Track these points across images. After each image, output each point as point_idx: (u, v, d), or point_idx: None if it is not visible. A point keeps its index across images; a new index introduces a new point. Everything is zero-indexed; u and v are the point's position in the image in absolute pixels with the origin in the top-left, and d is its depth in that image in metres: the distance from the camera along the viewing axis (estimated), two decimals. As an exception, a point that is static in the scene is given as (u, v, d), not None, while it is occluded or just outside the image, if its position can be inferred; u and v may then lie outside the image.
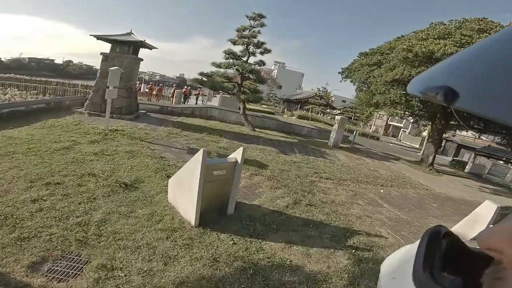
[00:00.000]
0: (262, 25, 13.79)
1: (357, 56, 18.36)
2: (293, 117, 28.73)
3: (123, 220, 3.91)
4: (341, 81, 19.51)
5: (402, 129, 47.82)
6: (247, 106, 20.68)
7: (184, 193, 4.17)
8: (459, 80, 0.28)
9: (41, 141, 6.69)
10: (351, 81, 18.30)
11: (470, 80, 0.27)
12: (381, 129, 49.31)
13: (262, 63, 13.97)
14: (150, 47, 12.59)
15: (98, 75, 11.60)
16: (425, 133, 36.74)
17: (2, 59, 65.51)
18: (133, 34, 12.00)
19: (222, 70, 13.58)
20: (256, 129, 14.09)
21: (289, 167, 8.84)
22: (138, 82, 25.23)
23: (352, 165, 11.42)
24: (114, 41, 11.63)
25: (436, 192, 10.33)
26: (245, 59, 13.78)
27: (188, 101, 23.01)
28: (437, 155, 30.15)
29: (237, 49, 13.95)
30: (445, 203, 8.94)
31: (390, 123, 50.67)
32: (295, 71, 64.77)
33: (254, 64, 13.64)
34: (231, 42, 13.94)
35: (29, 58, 73.91)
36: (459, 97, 0.26)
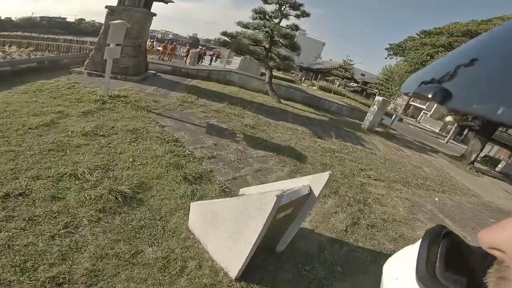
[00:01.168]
0: None
1: (417, 34, 15.74)
2: (314, 87, 26.15)
3: (124, 273, 2.35)
4: (386, 58, 17.33)
5: (423, 111, 44.14)
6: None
7: (223, 236, 2.56)
8: (452, 79, 0.27)
9: (16, 113, 5.04)
10: (404, 60, 15.91)
11: (463, 79, 0.27)
12: (400, 109, 45.78)
13: (295, 27, 11.56)
14: (165, 0, 10.25)
15: (101, 30, 9.54)
16: (449, 118, 33.30)
17: (13, 18, 64.61)
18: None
19: (249, 31, 11.28)
20: (281, 101, 12.08)
21: (331, 160, 7.10)
22: (151, 40, 22.83)
23: (394, 159, 9.63)
24: (121, -10, 9.35)
25: (485, 200, 8.68)
26: (276, 21, 11.35)
27: (202, 61, 20.74)
28: (453, 141, 27.61)
29: (268, 9, 11.54)
30: (499, 217, 7.23)
31: (412, 103, 46.86)
32: (316, 40, 58.77)
33: (287, 28, 11.25)
34: (263, 0, 11.42)
35: (40, 17, 72.76)
36: (452, 97, 0.26)
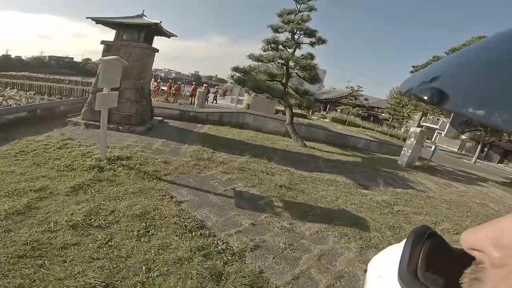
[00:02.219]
0: (311, 8, 10.26)
1: (445, 53, 14.93)
2: (326, 119, 25.15)
3: None
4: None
5: (437, 131, 43.20)
6: (279, 108, 17.28)
7: None
8: (449, 81, 0.28)
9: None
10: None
11: (460, 82, 0.27)
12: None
13: (311, 56, 10.46)
14: (168, 34, 9.33)
15: (98, 71, 8.45)
16: (464, 136, 32.42)
17: (23, 57, 66.05)
18: (145, 16, 8.77)
19: (263, 64, 10.17)
20: (305, 143, 10.67)
21: (394, 218, 5.56)
22: (156, 80, 22.27)
23: (454, 199, 8.19)
24: (119, 25, 8.42)
25: None
26: (290, 51, 10.29)
27: (207, 101, 19.88)
28: (479, 161, 26.33)
29: (280, 38, 10.54)
30: None
31: (423, 123, 46.24)
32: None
33: (302, 58, 10.15)
34: (272, 29, 10.50)
35: (49, 56, 74.64)
36: (448, 99, 0.26)
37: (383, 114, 42.18)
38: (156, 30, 8.71)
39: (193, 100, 18.67)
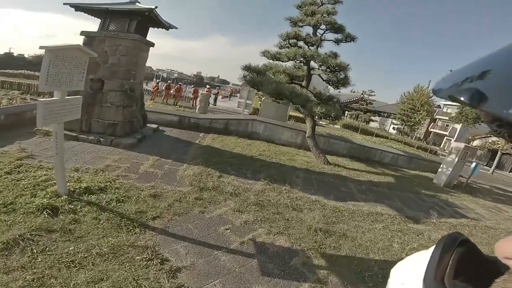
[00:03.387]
0: (337, 1, 8.60)
1: None
2: (336, 126, 23.46)
3: None
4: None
5: (446, 137, 41.38)
6: (293, 113, 15.46)
7: None
8: (488, 82, 0.26)
9: None
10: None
11: (501, 83, 0.25)
12: (421, 136, 43.00)
13: (334, 55, 8.75)
14: (166, 25, 7.64)
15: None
16: (476, 142, 30.72)
17: (26, 56, 65.09)
18: (139, 2, 7.10)
19: (282, 63, 8.45)
20: (326, 158, 8.97)
21: None
22: (157, 80, 20.58)
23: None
24: (105, 12, 6.74)
25: None
26: (312, 48, 8.57)
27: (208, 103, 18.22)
28: (497, 171, 24.72)
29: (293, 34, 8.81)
30: None
31: (432, 130, 44.48)
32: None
33: (328, 56, 8.43)
34: (291, 22, 8.82)
35: None
36: (487, 101, 0.25)
37: (392, 120, 40.42)
38: (151, 19, 7.03)
39: (194, 103, 17.00)
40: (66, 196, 3.59)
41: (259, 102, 22.10)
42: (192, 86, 17.75)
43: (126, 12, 6.66)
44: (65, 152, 5.48)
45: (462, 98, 0.27)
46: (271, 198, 5.13)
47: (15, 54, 63.80)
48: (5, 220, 2.98)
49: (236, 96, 34.00)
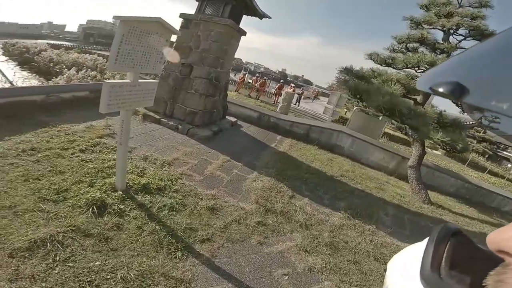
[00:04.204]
0: (485, 4, 6.30)
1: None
2: (436, 152, 19.38)
3: None
4: None
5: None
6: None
7: None
8: (469, 75, 0.27)
9: None
10: None
11: (481, 75, 0.26)
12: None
13: None
14: (260, 12, 6.93)
15: (172, 51, 6.71)
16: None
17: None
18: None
19: (393, 71, 6.79)
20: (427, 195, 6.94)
21: None
22: (244, 72, 20.97)
23: None
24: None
25: None
26: (441, 57, 6.55)
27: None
28: None
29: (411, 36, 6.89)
30: None
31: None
32: None
33: None
34: (413, 23, 7.01)
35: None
36: (468, 93, 0.26)
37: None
38: (245, 4, 6.41)
39: (276, 99, 16.34)
40: (121, 192, 3.18)
41: (345, 109, 20.04)
42: (281, 81, 17.00)
43: (223, -5, 6.18)
44: (143, 135, 5.41)
45: (442, 91, 0.27)
46: (349, 239, 3.88)
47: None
48: (48, 211, 2.67)
49: (319, 98, 32.14)
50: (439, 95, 0.29)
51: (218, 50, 6.19)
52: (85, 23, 78.95)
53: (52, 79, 8.82)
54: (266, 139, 7.58)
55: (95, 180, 3.32)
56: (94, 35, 54.37)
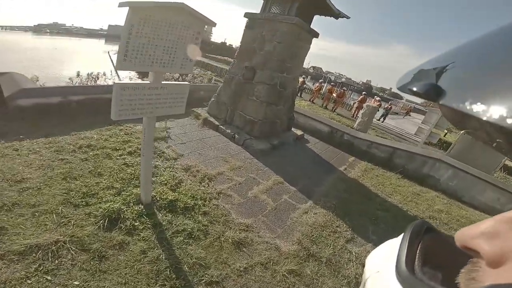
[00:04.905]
0: None
1: None
2: None
3: None
4: None
5: None
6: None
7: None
8: (445, 76, 0.27)
9: None
10: None
11: (458, 76, 0.26)
12: None
13: None
14: (335, 11, 5.93)
15: (236, 53, 6.41)
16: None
17: (233, 46, 74.51)
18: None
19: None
20: None
21: None
22: (321, 81, 19.83)
23: None
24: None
25: None
26: None
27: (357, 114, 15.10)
28: None
29: None
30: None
31: None
32: None
33: None
34: None
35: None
36: (445, 94, 0.26)
37: None
38: (316, 2, 5.55)
39: (356, 113, 14.62)
40: (143, 206, 2.83)
41: (445, 131, 16.44)
42: (363, 93, 15.17)
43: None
44: (196, 142, 5.18)
45: (419, 91, 0.28)
46: None
47: (227, 44, 78.85)
48: (63, 216, 2.50)
49: (410, 115, 27.79)
50: (416, 95, 0.29)
51: (283, 52, 5.54)
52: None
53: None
54: (335, 160, 6.47)
55: (125, 188, 3.09)
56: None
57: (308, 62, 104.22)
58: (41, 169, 3.16)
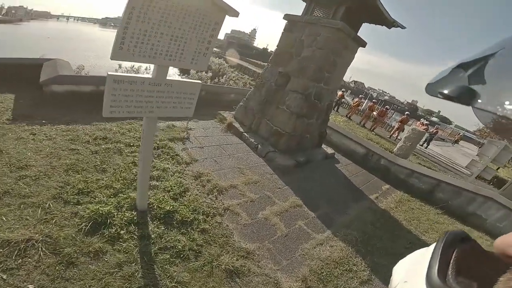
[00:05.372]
0: None
1: None
2: None
3: None
4: None
5: None
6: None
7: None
8: (479, 80, 0.26)
9: None
10: None
11: (492, 80, 0.25)
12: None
13: None
14: (389, 18, 5.28)
15: (270, 57, 6.04)
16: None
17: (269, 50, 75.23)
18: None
19: None
20: None
21: None
22: (361, 96, 18.75)
23: None
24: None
25: None
26: None
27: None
28: None
29: None
30: None
31: None
32: None
33: None
34: None
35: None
36: (479, 98, 0.24)
37: None
38: (367, 8, 4.96)
39: (397, 135, 13.44)
40: (135, 213, 2.56)
41: (500, 166, 14.39)
42: (406, 113, 13.91)
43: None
44: (215, 148, 4.89)
45: (451, 95, 0.26)
46: None
47: (268, 50, 77.28)
48: (50, 212, 2.33)
49: (458, 143, 25.16)
50: (448, 99, 0.28)
51: (322, 59, 5.04)
52: (229, 32, 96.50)
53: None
54: (365, 186, 5.76)
55: (123, 190, 2.86)
56: (234, 44, 63.86)
57: (350, 76, 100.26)
58: (48, 157, 3.06)
